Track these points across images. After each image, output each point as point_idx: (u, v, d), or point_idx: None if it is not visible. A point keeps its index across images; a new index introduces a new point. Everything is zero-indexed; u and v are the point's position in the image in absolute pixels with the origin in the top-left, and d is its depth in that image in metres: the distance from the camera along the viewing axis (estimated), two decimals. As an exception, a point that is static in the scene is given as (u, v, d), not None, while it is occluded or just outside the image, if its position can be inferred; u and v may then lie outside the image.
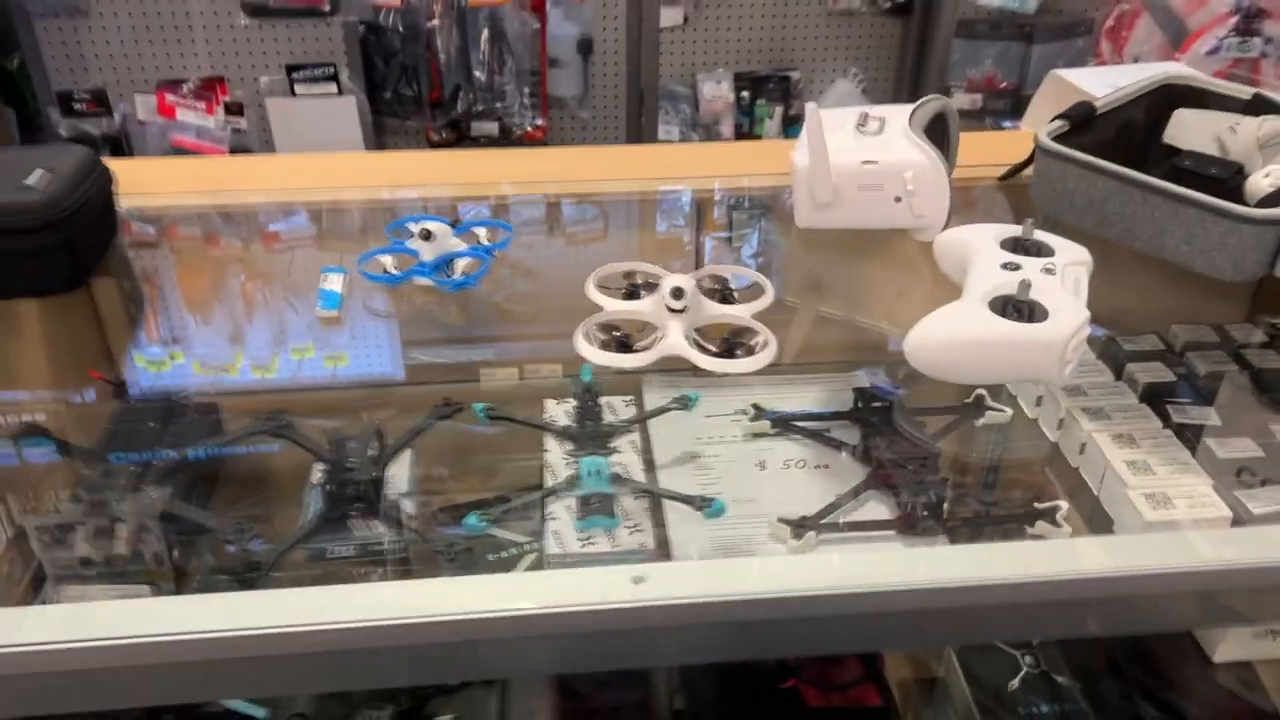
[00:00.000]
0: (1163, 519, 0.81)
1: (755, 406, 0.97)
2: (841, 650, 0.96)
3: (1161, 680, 1.10)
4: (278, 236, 1.06)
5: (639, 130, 2.73)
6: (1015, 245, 0.83)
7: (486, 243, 0.93)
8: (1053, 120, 1.00)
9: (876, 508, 0.88)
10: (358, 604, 0.60)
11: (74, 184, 0.85)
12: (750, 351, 0.77)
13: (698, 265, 1.06)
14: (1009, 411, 0.97)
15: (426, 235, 0.88)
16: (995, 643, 1.12)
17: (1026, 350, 0.73)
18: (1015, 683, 1.13)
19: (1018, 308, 0.75)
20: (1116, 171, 0.90)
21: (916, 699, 1.14)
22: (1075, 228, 0.96)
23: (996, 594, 0.62)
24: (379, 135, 2.60)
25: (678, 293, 0.75)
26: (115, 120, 2.51)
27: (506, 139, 2.74)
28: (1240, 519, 0.81)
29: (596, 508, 0.84)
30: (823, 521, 0.84)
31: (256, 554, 0.83)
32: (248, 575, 0.81)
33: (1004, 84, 2.71)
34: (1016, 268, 0.79)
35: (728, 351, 0.78)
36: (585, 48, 2.69)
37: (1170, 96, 1.07)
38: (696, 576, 0.61)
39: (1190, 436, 0.90)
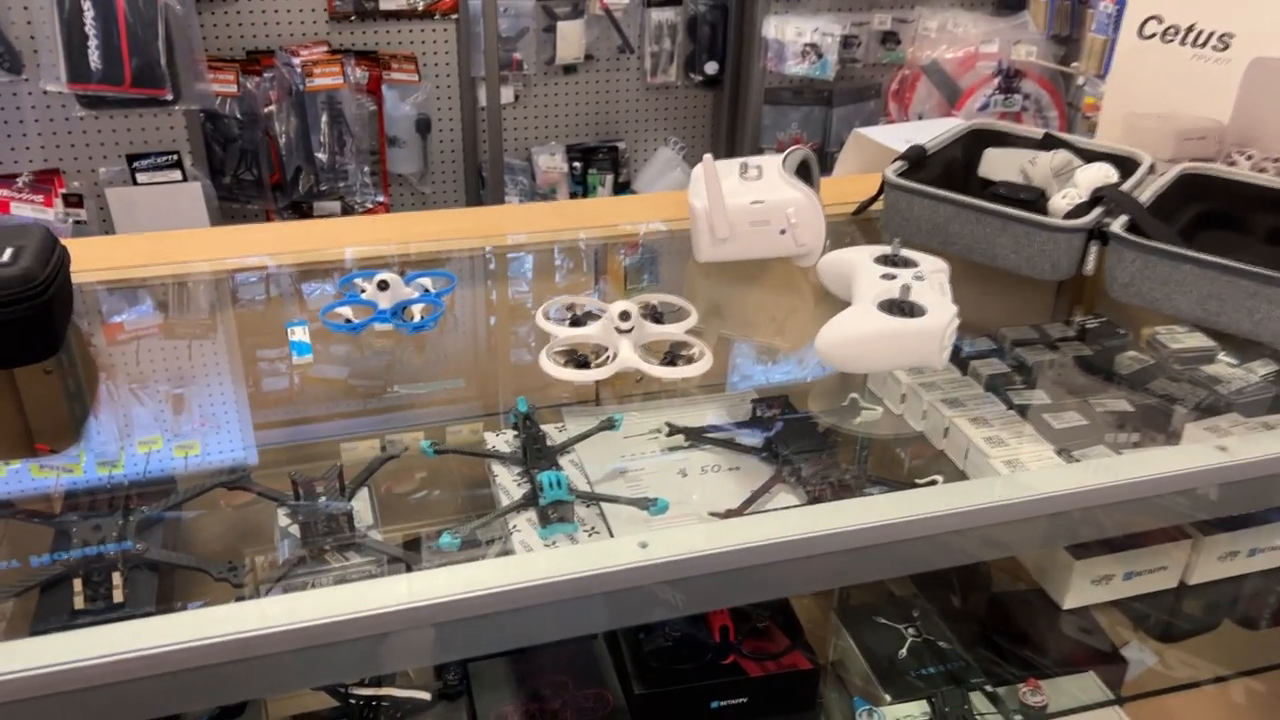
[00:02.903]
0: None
1: (669, 424, 1.10)
2: (806, 589, 1.08)
3: (1022, 634, 1.28)
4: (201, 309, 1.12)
5: (479, 202, 2.85)
6: (887, 260, 1.00)
7: (434, 290, 1.03)
8: (894, 161, 1.19)
9: (786, 497, 1.02)
10: (404, 589, 0.68)
11: (43, 259, 0.90)
12: (690, 360, 0.90)
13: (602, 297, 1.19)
14: (879, 410, 1.14)
15: (383, 285, 0.97)
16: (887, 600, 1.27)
17: (913, 339, 0.90)
18: (904, 652, 1.29)
19: (901, 307, 0.92)
20: (955, 199, 1.10)
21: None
22: (922, 247, 1.15)
23: (912, 529, 0.77)
24: (223, 219, 2.61)
25: (625, 315, 0.88)
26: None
27: (349, 216, 2.81)
28: (1079, 473, 1.00)
29: (557, 516, 0.95)
30: (746, 513, 0.98)
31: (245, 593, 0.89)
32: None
33: (810, 144, 2.99)
34: (894, 277, 0.96)
35: (671, 362, 0.91)
36: (423, 126, 2.80)
37: (980, 139, 1.29)
38: (690, 539, 0.73)
39: (1029, 414, 1.09)
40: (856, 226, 1.28)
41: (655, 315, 0.97)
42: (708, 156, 1.03)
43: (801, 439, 1.07)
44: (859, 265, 0.99)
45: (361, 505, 0.99)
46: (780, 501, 1.02)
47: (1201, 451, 0.85)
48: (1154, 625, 1.30)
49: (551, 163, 2.93)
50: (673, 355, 0.91)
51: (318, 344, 0.96)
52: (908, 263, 1.00)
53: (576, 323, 0.95)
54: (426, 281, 1.03)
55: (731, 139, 3.03)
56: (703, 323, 1.15)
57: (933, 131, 2.36)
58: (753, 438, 1.10)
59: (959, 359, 1.18)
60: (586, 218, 1.31)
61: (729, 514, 0.96)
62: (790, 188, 1.07)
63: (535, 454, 1.03)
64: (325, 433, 1.00)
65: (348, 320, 0.97)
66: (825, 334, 0.91)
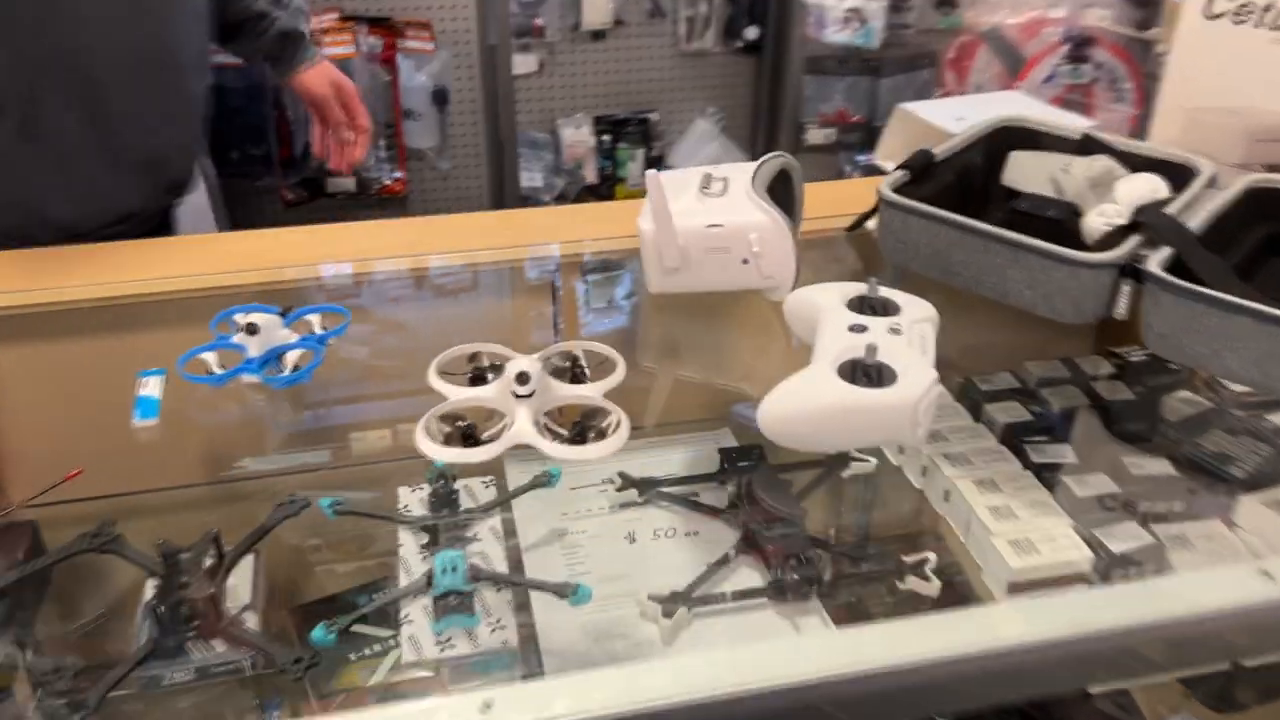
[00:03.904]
0: (1027, 565, 0.81)
1: (621, 475, 0.94)
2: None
3: (1047, 715, 1.10)
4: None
5: (500, 178, 2.70)
6: (861, 304, 0.82)
7: (320, 331, 0.87)
8: (894, 170, 1.00)
9: (748, 574, 0.86)
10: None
11: None
12: (602, 435, 0.74)
13: (556, 335, 1.03)
14: (873, 461, 0.96)
15: (252, 329, 0.82)
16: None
17: (878, 415, 0.72)
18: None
19: (866, 372, 0.74)
20: (957, 221, 0.91)
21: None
22: (922, 276, 0.97)
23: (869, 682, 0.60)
24: (228, 197, 2.50)
25: (523, 378, 0.72)
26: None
27: (365, 194, 2.67)
28: (1101, 558, 0.82)
29: (454, 606, 0.80)
30: (694, 595, 0.82)
31: (80, 693, 0.76)
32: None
33: (855, 118, 2.76)
34: (864, 329, 0.78)
35: (580, 435, 0.74)
36: (440, 98, 2.65)
37: (1006, 139, 1.09)
38: (550, 695, 0.57)
39: (1049, 475, 0.91)
40: (852, 247, 1.09)
41: (575, 370, 0.81)
42: (651, 172, 0.86)
43: (771, 501, 0.90)
44: (825, 311, 0.81)
45: (242, 577, 0.86)
46: (742, 579, 0.86)
47: (1233, 579, 0.66)
48: (1205, 695, 1.11)
49: (578, 136, 2.75)
50: (582, 426, 0.75)
51: (173, 400, 0.81)
52: (886, 308, 0.82)
53: (478, 379, 0.79)
54: (315, 319, 0.88)
55: (773, 111, 2.82)
56: (655, 363, 0.98)
57: (985, 108, 2.12)
58: (716, 496, 0.94)
59: (972, 401, 1.00)
60: (540, 231, 1.13)
61: (671, 600, 0.80)
62: (755, 209, 0.89)
63: (443, 523, 0.88)
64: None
65: (210, 370, 0.82)
66: (767, 406, 0.73)
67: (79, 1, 1.16)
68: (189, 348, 0.84)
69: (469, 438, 0.73)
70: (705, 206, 0.90)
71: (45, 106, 1.18)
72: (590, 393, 0.76)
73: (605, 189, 2.86)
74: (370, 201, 2.70)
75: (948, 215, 0.91)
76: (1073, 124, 1.78)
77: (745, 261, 0.89)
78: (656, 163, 2.88)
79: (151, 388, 0.81)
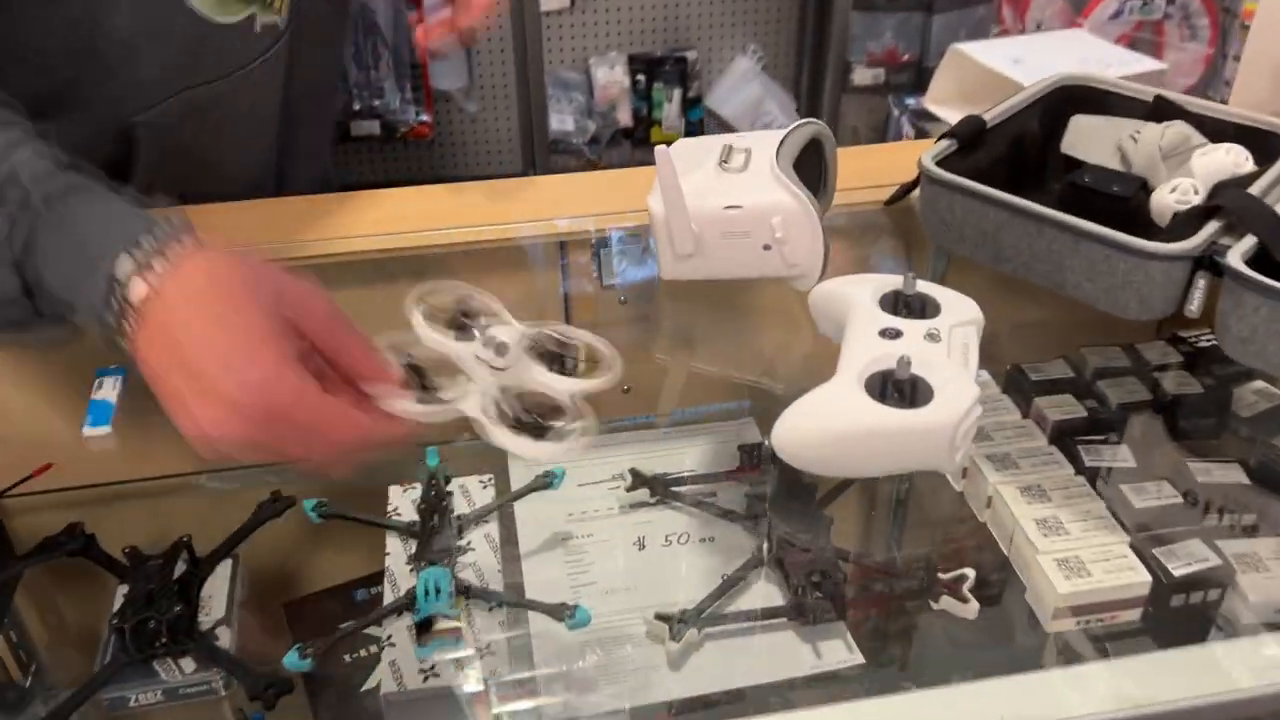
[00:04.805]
0: (1077, 590, 0.73)
1: (633, 472, 0.87)
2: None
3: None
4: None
5: (529, 120, 2.59)
6: (896, 302, 0.73)
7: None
8: (939, 139, 0.89)
9: (767, 590, 0.80)
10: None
11: None
12: (560, 436, 0.64)
13: (567, 318, 0.94)
14: (910, 460, 0.88)
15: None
16: None
17: (910, 439, 0.63)
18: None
19: (899, 387, 0.65)
20: (1008, 201, 0.80)
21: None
22: (969, 260, 0.87)
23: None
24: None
25: (501, 348, 0.63)
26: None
27: (391, 137, 2.59)
28: (1160, 582, 0.74)
29: (439, 631, 0.74)
30: (704, 614, 0.75)
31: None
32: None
33: (905, 57, 2.61)
34: (897, 334, 0.69)
35: (535, 429, 0.64)
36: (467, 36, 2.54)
37: (1067, 100, 0.97)
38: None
39: (1104, 481, 0.83)
40: (893, 221, 0.98)
41: (563, 358, 0.70)
42: (660, 148, 0.76)
43: (792, 508, 0.83)
44: (855, 309, 0.72)
45: (218, 586, 0.80)
46: (758, 595, 0.78)
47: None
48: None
49: (611, 76, 2.63)
50: (535, 420, 0.65)
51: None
52: (924, 307, 0.72)
53: (462, 329, 0.68)
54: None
55: (818, 49, 2.67)
56: (668, 354, 0.90)
57: (1045, 48, 1.97)
58: (735, 496, 0.87)
59: (1021, 392, 0.91)
60: (550, 204, 1.02)
61: (680, 620, 0.74)
62: (779, 188, 0.79)
63: (431, 533, 0.81)
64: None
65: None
66: (783, 425, 0.65)
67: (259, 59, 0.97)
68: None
69: (422, 386, 0.64)
70: (723, 183, 0.81)
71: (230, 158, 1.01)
72: (561, 388, 0.66)
73: (640, 132, 2.75)
74: (396, 144, 2.61)
75: (996, 194, 0.81)
76: (1139, 66, 1.64)
77: (767, 247, 0.79)
78: (694, 104, 2.75)
79: (107, 390, 0.74)
